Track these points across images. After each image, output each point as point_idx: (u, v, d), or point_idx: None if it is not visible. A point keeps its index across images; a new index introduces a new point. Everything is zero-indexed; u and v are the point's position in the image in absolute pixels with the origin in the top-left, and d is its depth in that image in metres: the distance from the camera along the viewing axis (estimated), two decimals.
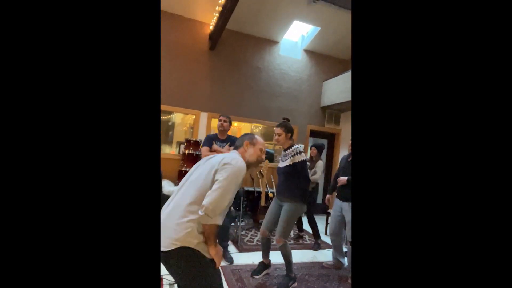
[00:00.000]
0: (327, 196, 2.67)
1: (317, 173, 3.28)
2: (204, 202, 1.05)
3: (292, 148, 2.14)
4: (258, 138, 1.40)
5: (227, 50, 4.47)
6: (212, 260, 1.12)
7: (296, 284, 2.17)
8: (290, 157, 2.11)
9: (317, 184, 3.41)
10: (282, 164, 2.18)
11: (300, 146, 2.14)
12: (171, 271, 1.10)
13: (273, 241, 2.26)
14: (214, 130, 4.98)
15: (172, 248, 1.04)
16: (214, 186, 1.08)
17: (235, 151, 1.36)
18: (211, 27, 4.14)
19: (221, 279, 1.18)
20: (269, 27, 4.52)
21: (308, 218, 3.25)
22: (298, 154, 2.09)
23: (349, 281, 2.32)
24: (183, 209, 1.10)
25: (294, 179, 2.11)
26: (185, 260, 1.07)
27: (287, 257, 2.12)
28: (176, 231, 1.05)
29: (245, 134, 1.42)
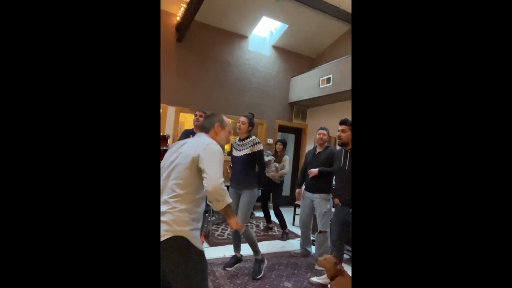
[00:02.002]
0: (297, 190, 2.78)
1: (286, 167, 3.44)
2: (208, 195, 1.07)
3: (250, 138, 2.27)
4: (226, 119, 1.42)
5: (195, 43, 4.36)
6: (202, 253, 1.12)
7: (265, 263, 2.30)
8: (249, 147, 2.24)
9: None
10: (239, 153, 2.28)
11: (256, 139, 2.29)
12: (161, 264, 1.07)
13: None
14: (182, 124, 4.85)
15: (163, 239, 1.01)
16: (207, 174, 1.08)
17: (204, 134, 1.33)
18: (178, 18, 3.99)
19: (207, 275, 1.19)
20: (238, 21, 4.50)
21: (274, 210, 3.37)
22: (257, 144, 2.24)
23: (316, 267, 2.47)
24: (166, 202, 1.08)
25: (252, 167, 2.27)
26: (178, 252, 1.05)
27: (250, 239, 2.21)
28: (167, 221, 1.04)
29: (213, 115, 1.39)
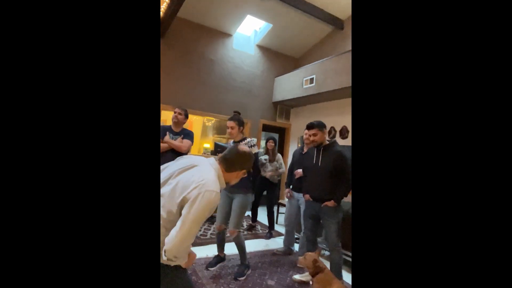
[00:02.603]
0: (287, 190, 2.80)
1: (282, 165, 3.38)
2: (165, 247, 0.92)
3: (246, 140, 2.18)
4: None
5: (178, 39, 4.27)
6: (178, 269, 1.06)
7: (250, 271, 2.26)
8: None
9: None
10: None
11: (253, 140, 2.19)
12: None
13: (226, 233, 2.30)
14: (164, 122, 4.74)
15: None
16: (178, 224, 0.94)
17: (216, 166, 1.12)
18: (161, 14, 3.89)
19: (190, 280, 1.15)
20: (222, 19, 4.46)
21: (268, 209, 3.35)
22: (253, 147, 2.15)
23: (298, 264, 2.50)
24: None
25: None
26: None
27: (241, 246, 2.18)
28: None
29: (245, 154, 1.16)
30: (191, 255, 1.06)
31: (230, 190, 2.19)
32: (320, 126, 2.11)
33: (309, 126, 2.13)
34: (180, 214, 0.98)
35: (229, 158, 1.16)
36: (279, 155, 3.43)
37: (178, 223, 0.94)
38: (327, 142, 2.15)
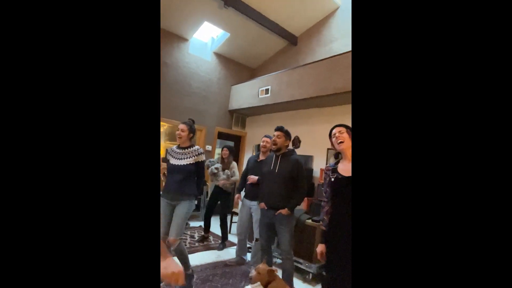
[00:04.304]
0: (237, 195, 2.77)
1: (236, 173, 3.33)
2: None
3: (194, 148, 2.17)
4: None
5: None
6: None
7: (195, 278, 2.20)
8: (193, 156, 2.14)
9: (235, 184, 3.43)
10: (180, 162, 2.14)
11: (200, 149, 2.21)
12: None
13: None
14: None
15: None
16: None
17: None
18: None
19: None
20: (178, 22, 4.34)
21: (221, 219, 3.26)
22: (201, 155, 2.17)
23: (252, 283, 2.47)
24: None
25: (193, 177, 2.17)
26: None
27: (182, 254, 2.09)
28: None
29: None
30: (179, 273, 0.93)
31: (172, 198, 2.10)
32: (286, 132, 2.23)
33: (278, 128, 2.23)
34: None
35: None
36: (234, 163, 3.40)
37: None
38: (286, 150, 2.21)
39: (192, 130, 2.20)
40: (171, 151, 2.22)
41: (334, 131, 1.54)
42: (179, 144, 2.21)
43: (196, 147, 2.19)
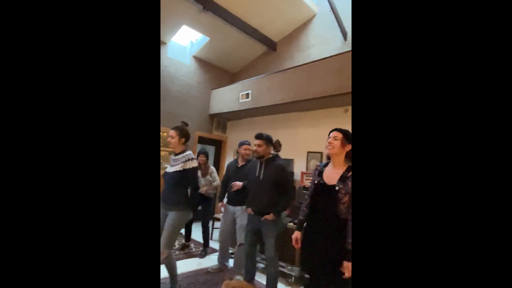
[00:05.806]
0: (220, 203, 2.72)
1: (216, 178, 3.27)
2: None
3: (184, 154, 2.06)
4: None
5: None
6: None
7: None
8: (181, 163, 2.02)
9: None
10: (170, 169, 2.06)
11: (191, 154, 2.07)
12: None
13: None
14: None
15: None
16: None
17: None
18: None
19: None
20: None
21: (203, 225, 3.18)
22: (190, 161, 2.02)
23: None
24: None
25: (184, 186, 2.04)
26: None
27: (172, 269, 2.01)
28: None
29: None
30: None
31: (165, 206, 2.02)
32: (267, 139, 2.16)
33: (258, 136, 2.15)
34: None
35: None
36: (212, 168, 3.34)
37: None
38: (270, 156, 2.20)
39: (183, 135, 2.08)
40: (170, 158, 2.12)
41: (330, 134, 1.50)
42: (174, 151, 2.11)
43: (187, 152, 2.06)
